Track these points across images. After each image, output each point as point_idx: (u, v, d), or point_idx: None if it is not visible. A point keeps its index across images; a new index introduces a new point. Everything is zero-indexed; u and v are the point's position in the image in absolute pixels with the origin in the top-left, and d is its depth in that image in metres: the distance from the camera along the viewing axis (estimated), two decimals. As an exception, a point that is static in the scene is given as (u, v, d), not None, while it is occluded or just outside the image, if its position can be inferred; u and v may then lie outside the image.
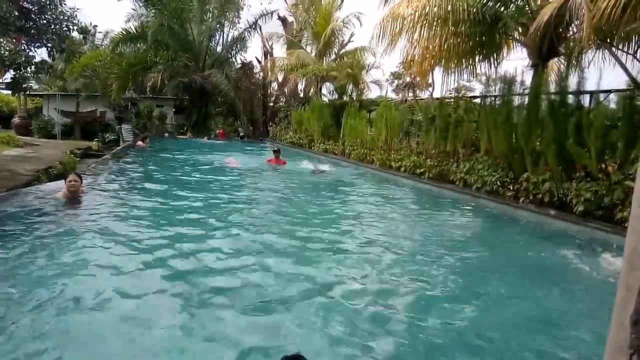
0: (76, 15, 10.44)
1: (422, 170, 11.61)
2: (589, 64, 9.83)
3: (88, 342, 3.07)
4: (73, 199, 6.83)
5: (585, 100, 8.43)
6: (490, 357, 3.26)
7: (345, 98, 19.84)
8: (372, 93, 22.19)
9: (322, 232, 6.40)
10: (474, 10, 10.14)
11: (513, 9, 10.27)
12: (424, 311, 3.89)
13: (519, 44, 11.02)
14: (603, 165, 7.40)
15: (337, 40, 25.36)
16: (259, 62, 28.66)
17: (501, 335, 3.54)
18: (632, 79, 8.07)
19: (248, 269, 4.60)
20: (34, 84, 24.49)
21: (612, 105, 8.08)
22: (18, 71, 10.07)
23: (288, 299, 3.93)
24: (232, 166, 13.96)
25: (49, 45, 10.22)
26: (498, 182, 9.10)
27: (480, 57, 11.45)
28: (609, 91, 8.55)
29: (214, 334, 3.29)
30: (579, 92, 8.25)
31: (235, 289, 4.10)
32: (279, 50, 27.90)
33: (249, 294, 3.99)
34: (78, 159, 14.50)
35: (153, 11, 24.74)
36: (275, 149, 15.23)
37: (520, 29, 10.49)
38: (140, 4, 24.98)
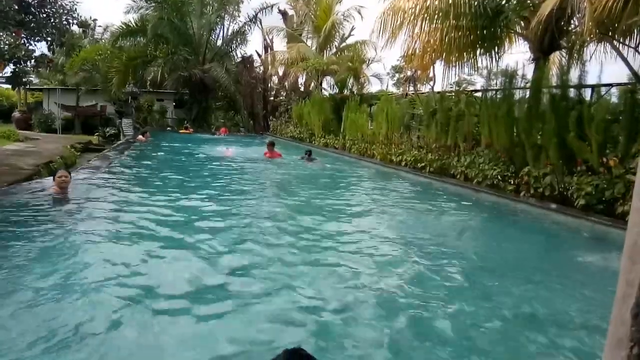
0: (76, 9, 10.40)
1: (423, 164, 11.61)
2: (591, 58, 9.82)
3: (77, 339, 3.01)
4: (63, 194, 6.81)
5: (587, 93, 8.41)
6: (490, 352, 3.27)
7: (345, 92, 19.81)
8: (373, 87, 22.25)
9: (318, 223, 6.41)
10: (475, 3, 10.09)
11: (515, 2, 10.22)
12: (419, 303, 3.90)
13: (521, 38, 10.98)
14: (604, 159, 7.38)
15: (337, 33, 25.32)
16: (259, 56, 28.60)
17: (501, 330, 3.55)
18: (634, 72, 8.04)
19: (250, 258, 4.62)
20: (34, 78, 24.41)
21: (614, 99, 8.06)
22: (18, 65, 10.03)
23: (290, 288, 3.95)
24: (228, 155, 14.81)
25: (49, 39, 10.19)
26: (499, 176, 9.10)
27: (482, 50, 11.40)
28: (611, 85, 8.53)
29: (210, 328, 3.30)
30: (580, 86, 8.23)
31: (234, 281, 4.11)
32: (280, 44, 27.89)
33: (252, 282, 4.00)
34: (78, 153, 14.51)
35: (153, 4, 24.68)
36: (268, 141, 15.37)
37: (522, 23, 10.45)
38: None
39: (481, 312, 3.81)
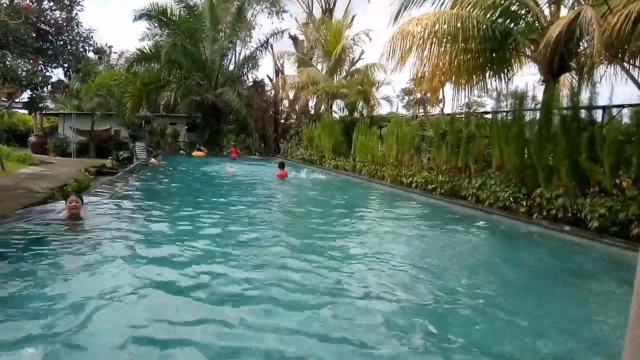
0: (92, 37, 10.66)
1: (433, 185, 11.56)
2: (601, 79, 9.80)
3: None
4: (75, 219, 6.84)
5: (598, 115, 8.38)
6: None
7: (355, 114, 19.94)
8: (383, 109, 22.20)
9: (325, 244, 6.39)
10: (484, 27, 10.18)
11: (523, 25, 10.30)
12: (431, 324, 3.84)
13: (530, 60, 11.03)
14: (617, 181, 7.31)
15: (347, 57, 25.56)
16: (270, 80, 29.03)
17: (517, 351, 3.49)
18: (645, 93, 8.03)
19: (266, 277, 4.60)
20: (50, 104, 24.99)
21: (626, 120, 8.02)
22: (35, 91, 10.28)
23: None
24: (232, 172, 16.57)
25: (66, 65, 10.43)
26: (511, 198, 9.01)
27: (491, 73, 11.47)
28: (622, 106, 8.50)
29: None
30: (591, 107, 8.20)
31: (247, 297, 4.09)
32: (290, 68, 28.31)
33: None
34: (92, 177, 14.69)
35: (167, 31, 25.27)
36: (278, 162, 16.46)
37: (531, 46, 10.51)
38: (155, 25, 25.51)
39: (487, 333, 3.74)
